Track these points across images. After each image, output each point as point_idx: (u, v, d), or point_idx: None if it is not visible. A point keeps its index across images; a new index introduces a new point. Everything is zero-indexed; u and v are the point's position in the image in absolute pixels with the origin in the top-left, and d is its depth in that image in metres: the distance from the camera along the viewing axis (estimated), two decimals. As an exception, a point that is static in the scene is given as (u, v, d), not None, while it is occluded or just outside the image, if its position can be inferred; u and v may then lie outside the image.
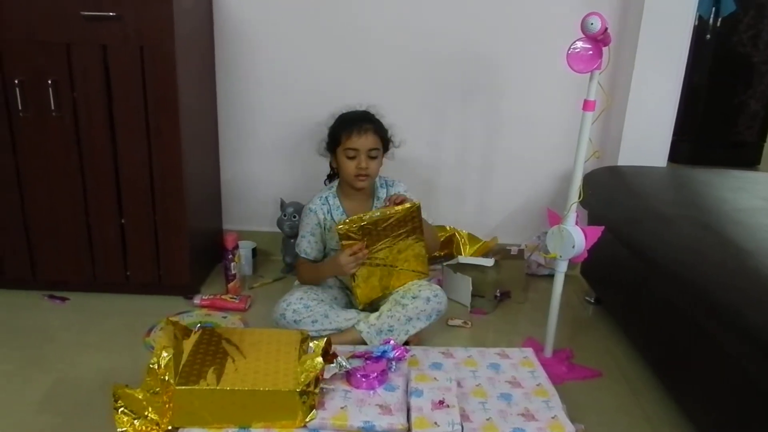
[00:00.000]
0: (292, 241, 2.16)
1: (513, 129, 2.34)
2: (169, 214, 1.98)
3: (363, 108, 1.87)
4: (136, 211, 1.97)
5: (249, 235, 2.39)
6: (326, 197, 1.88)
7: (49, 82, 1.82)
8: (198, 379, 1.26)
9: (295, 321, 1.74)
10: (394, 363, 1.43)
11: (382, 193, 1.89)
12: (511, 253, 2.33)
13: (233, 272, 2.12)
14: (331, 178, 1.99)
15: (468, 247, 2.39)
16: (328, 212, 1.86)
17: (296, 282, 1.92)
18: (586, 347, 1.90)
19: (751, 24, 3.86)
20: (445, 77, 2.28)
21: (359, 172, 1.78)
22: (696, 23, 3.34)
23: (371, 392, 1.34)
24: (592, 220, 2.01)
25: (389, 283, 1.81)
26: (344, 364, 1.34)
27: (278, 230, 2.30)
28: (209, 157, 2.29)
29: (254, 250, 2.35)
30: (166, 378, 1.24)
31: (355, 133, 1.76)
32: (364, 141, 1.76)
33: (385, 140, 1.83)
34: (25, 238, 2.00)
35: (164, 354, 1.26)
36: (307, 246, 1.88)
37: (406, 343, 1.75)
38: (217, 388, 1.24)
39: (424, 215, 1.77)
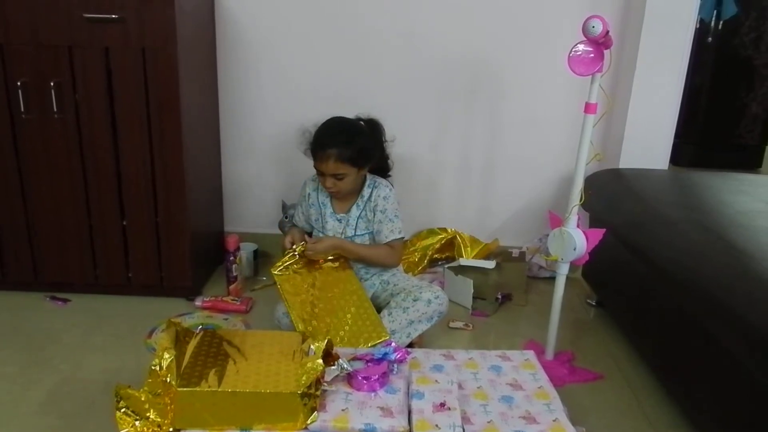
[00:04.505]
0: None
1: (515, 131, 2.34)
2: (171, 216, 1.98)
3: (364, 115, 1.84)
4: (138, 213, 1.98)
5: (250, 237, 2.40)
6: None
7: (52, 84, 1.83)
8: (199, 380, 1.26)
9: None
10: (395, 365, 1.42)
11: (367, 193, 1.86)
12: (513, 255, 2.32)
13: (234, 274, 2.13)
14: None
15: (469, 249, 2.39)
16: (315, 189, 1.90)
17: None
18: (587, 350, 1.90)
19: (752, 26, 3.86)
20: (448, 79, 2.28)
21: (327, 188, 1.79)
22: (697, 26, 3.33)
23: (372, 394, 1.34)
24: (594, 223, 2.01)
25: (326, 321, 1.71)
26: (345, 366, 1.34)
27: (280, 232, 2.30)
28: (211, 160, 2.30)
29: (256, 252, 2.35)
30: (168, 380, 1.24)
31: (318, 158, 1.75)
32: (326, 167, 1.74)
33: (355, 160, 1.74)
34: (27, 239, 2.00)
35: (166, 356, 1.26)
36: (297, 214, 1.96)
37: (410, 345, 1.76)
38: (219, 389, 1.24)
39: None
